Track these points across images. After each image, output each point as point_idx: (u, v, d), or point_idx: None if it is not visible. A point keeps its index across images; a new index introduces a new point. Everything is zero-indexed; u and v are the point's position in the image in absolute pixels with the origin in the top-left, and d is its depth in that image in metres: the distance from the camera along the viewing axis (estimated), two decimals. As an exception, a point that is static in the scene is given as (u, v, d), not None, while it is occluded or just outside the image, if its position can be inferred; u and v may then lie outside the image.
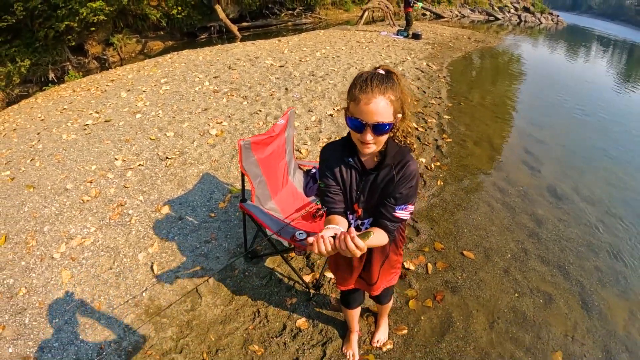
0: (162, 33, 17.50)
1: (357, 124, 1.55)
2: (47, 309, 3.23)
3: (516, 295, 3.47)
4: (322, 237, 1.43)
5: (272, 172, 3.50)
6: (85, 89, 9.15)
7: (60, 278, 3.51)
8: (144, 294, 3.37)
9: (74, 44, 14.39)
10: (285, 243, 3.32)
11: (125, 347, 2.93)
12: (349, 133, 1.69)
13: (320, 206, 3.31)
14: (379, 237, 1.67)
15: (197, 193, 4.62)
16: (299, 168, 3.98)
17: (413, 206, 1.73)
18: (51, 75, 13.35)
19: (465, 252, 3.92)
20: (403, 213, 1.71)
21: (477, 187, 5.12)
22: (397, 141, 1.69)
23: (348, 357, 2.83)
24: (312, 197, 3.69)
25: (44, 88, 11.03)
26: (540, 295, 3.48)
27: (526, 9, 33.63)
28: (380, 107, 1.50)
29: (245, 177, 3.23)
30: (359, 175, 1.77)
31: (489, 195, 4.93)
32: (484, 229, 4.29)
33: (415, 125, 6.79)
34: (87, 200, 4.52)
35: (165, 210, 4.32)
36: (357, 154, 1.74)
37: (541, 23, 31.39)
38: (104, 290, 3.40)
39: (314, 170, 3.91)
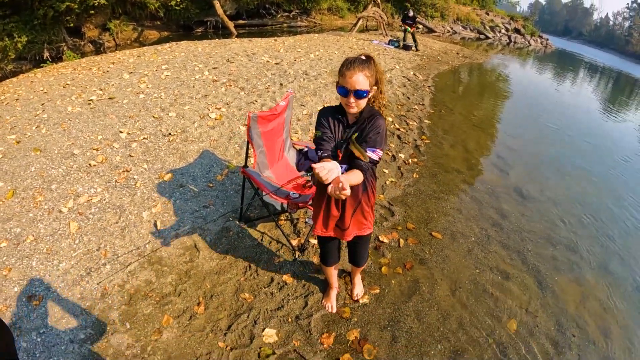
0: (158, 23, 17.70)
1: (344, 91, 2.17)
2: (54, 254, 3.57)
3: (477, 271, 3.94)
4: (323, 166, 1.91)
5: (271, 145, 3.95)
6: (87, 68, 9.41)
7: (68, 229, 3.85)
8: (147, 245, 3.76)
9: (72, 25, 14.50)
10: (278, 205, 3.78)
11: (128, 289, 3.30)
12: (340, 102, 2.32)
13: (307, 179, 3.76)
14: (356, 175, 2.15)
15: (197, 166, 5.01)
16: (293, 147, 4.44)
17: (381, 152, 2.22)
18: (46, 55, 13.41)
19: (433, 233, 4.40)
20: (372, 154, 2.19)
21: (449, 182, 5.60)
22: (373, 108, 2.34)
23: (327, 308, 3.27)
24: (302, 172, 4.14)
25: (41, 65, 11.10)
26: (498, 273, 3.94)
27: (517, 31, 34.43)
28: (359, 79, 2.12)
29: (250, 145, 3.66)
30: (343, 128, 2.34)
31: (460, 190, 5.43)
32: (452, 216, 4.77)
33: (397, 126, 7.29)
34: (94, 165, 4.86)
35: (168, 177, 4.70)
36: (345, 114, 2.33)
37: (530, 45, 32.20)
38: (110, 240, 3.77)
39: (305, 149, 4.37)
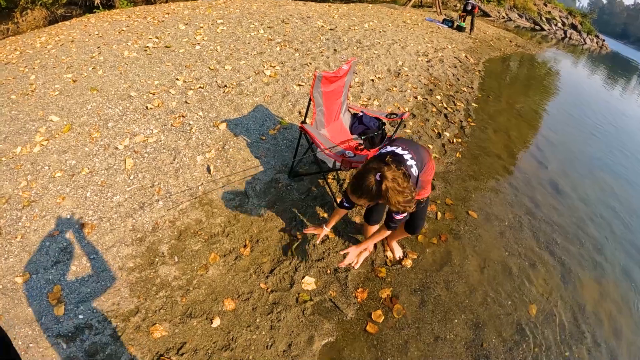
0: None
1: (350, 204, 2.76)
2: (108, 187, 3.74)
3: (506, 253, 4.05)
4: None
5: (330, 105, 4.08)
6: (141, 16, 9.52)
7: (124, 165, 4.02)
8: (199, 187, 3.95)
9: None
10: (330, 163, 3.94)
11: (179, 226, 3.50)
12: None
13: (360, 142, 3.89)
14: (380, 235, 2.80)
15: (250, 118, 5.16)
16: (348, 110, 4.54)
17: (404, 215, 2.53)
18: (97, 1, 13.37)
19: (470, 212, 4.49)
20: (396, 215, 2.52)
21: (489, 165, 5.65)
22: None
23: (353, 263, 3.39)
24: (355, 136, 4.25)
25: (93, 11, 11.22)
26: (526, 260, 4.04)
27: (573, 26, 33.06)
28: (355, 200, 2.34)
29: (312, 102, 3.79)
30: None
31: (498, 174, 5.48)
32: (489, 198, 4.85)
33: (445, 105, 7.28)
34: (151, 108, 5.02)
35: (223, 127, 4.86)
36: None
37: (585, 43, 30.90)
38: (164, 179, 3.94)
39: (360, 114, 4.47)
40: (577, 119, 9.69)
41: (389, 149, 2.49)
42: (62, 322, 2.65)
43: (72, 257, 3.08)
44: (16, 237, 3.16)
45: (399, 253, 3.62)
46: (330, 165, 4.23)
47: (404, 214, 2.48)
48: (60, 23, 9.34)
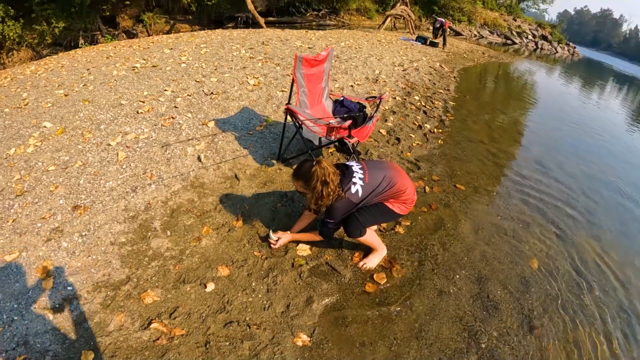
0: (190, 17, 17.69)
1: None
2: (101, 176, 3.67)
3: (499, 217, 3.97)
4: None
5: (312, 88, 4.07)
6: (127, 46, 9.56)
7: (116, 157, 3.96)
8: (191, 172, 3.87)
9: (107, 14, 14.52)
10: (316, 140, 3.88)
11: (171, 205, 3.41)
12: None
13: (340, 122, 3.88)
14: (311, 236, 3.04)
15: (237, 118, 5.11)
16: (330, 97, 4.51)
17: (334, 221, 2.75)
18: (81, 42, 13.43)
19: (457, 185, 4.43)
20: (327, 220, 2.76)
21: (472, 149, 5.63)
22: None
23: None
24: (338, 118, 4.21)
25: (80, 45, 11.31)
26: (519, 222, 3.97)
27: (544, 37, 33.72)
28: (295, 185, 2.75)
29: (294, 83, 3.76)
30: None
31: (482, 156, 5.45)
32: (475, 174, 4.80)
33: (424, 104, 7.31)
34: (141, 113, 4.97)
35: (211, 124, 4.80)
36: None
37: (557, 52, 31.62)
38: (156, 167, 3.87)
39: (341, 99, 4.45)
40: (553, 109, 10.01)
41: (350, 162, 2.85)
42: (50, 294, 2.48)
43: (63, 235, 2.96)
44: (7, 222, 3.05)
45: (370, 264, 3.14)
46: (316, 142, 4.19)
47: (333, 221, 2.73)
48: (47, 58, 9.34)
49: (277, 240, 3.03)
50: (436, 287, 2.96)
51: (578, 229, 4.12)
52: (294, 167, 2.69)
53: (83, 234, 2.99)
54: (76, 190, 3.46)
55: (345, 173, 2.71)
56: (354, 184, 2.66)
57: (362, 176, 2.71)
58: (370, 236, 2.97)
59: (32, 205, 3.24)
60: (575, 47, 35.62)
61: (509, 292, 3.02)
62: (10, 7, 12.01)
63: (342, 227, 2.89)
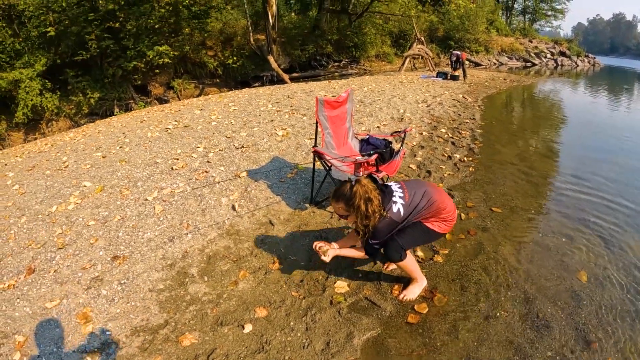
0: (218, 80, 18.51)
1: None
2: (139, 228, 3.79)
3: (540, 234, 3.78)
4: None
5: (336, 129, 4.12)
6: (159, 110, 10.09)
7: (153, 211, 4.08)
8: (226, 221, 3.91)
9: (139, 83, 15.41)
10: (345, 179, 3.84)
11: (207, 252, 3.44)
12: None
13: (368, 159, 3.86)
14: (352, 252, 2.86)
15: (269, 167, 5.18)
16: (355, 137, 4.53)
17: (377, 242, 2.65)
18: (116, 110, 14.21)
19: (493, 208, 4.26)
20: (372, 240, 2.64)
21: (504, 171, 5.46)
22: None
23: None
24: (365, 155, 4.21)
25: (115, 113, 11.96)
26: (562, 236, 3.76)
27: (562, 53, 33.25)
28: (335, 208, 2.68)
29: (319, 125, 3.80)
30: None
31: (515, 176, 5.27)
32: (510, 195, 4.62)
33: (451, 135, 7.22)
34: (176, 169, 5.13)
35: (244, 175, 4.88)
36: None
37: (577, 65, 31.15)
38: (192, 217, 3.96)
39: (367, 137, 4.45)
40: (584, 121, 9.91)
41: (388, 183, 2.80)
42: (89, 338, 2.53)
43: (103, 283, 3.05)
44: (49, 272, 3.19)
45: (410, 296, 3.01)
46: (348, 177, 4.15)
47: (377, 242, 2.64)
48: (84, 126, 9.94)
49: (324, 251, 2.79)
50: (481, 312, 2.79)
51: (625, 235, 3.86)
52: (332, 192, 2.64)
53: (122, 282, 3.06)
54: (115, 242, 3.58)
55: (385, 192, 2.64)
56: (395, 202, 2.60)
57: (401, 194, 2.65)
58: (411, 262, 2.86)
59: (73, 257, 3.38)
60: (595, 58, 35.16)
61: (560, 309, 2.81)
62: (47, 81, 12.94)
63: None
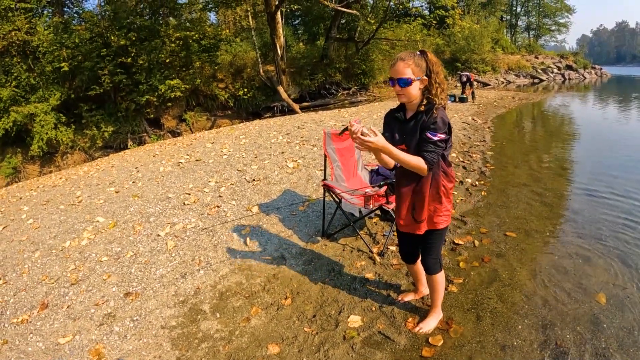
0: (229, 112, 18.81)
1: (391, 81, 2.28)
2: (152, 264, 3.84)
3: (556, 257, 3.73)
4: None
5: (345, 162, 4.16)
6: (171, 144, 10.30)
7: (166, 246, 4.14)
8: (237, 256, 3.93)
9: (151, 116, 15.74)
10: (356, 212, 3.87)
11: (220, 288, 3.45)
12: None
13: (378, 189, 3.85)
14: (410, 158, 2.19)
15: (280, 200, 5.23)
16: (365, 168, 4.56)
17: (443, 135, 2.20)
18: (129, 143, 14.52)
19: (507, 233, 4.22)
20: (432, 135, 2.18)
21: (517, 193, 5.42)
22: (430, 98, 2.29)
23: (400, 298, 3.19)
24: (375, 187, 4.22)
25: (129, 146, 12.21)
26: (578, 258, 3.71)
27: (569, 67, 33.43)
28: (400, 68, 2.20)
29: (327, 158, 3.84)
30: (400, 124, 2.39)
31: (528, 198, 5.23)
32: (524, 218, 4.58)
33: (462, 159, 7.22)
34: (187, 204, 5.20)
35: (255, 209, 4.93)
36: (404, 109, 2.42)
37: (585, 78, 31.39)
38: (203, 253, 3.99)
39: (377, 168, 4.48)
40: (596, 135, 10.04)
41: None
42: None
43: (115, 320, 3.08)
44: (62, 308, 3.26)
45: (424, 324, 2.93)
46: (357, 213, 4.17)
47: (439, 136, 2.18)
48: (99, 159, 10.15)
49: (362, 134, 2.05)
50: (498, 342, 2.73)
51: None
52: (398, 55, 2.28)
53: (135, 318, 3.08)
54: (128, 278, 3.64)
55: None
56: None
57: None
58: (443, 279, 2.79)
59: (86, 293, 3.45)
60: (602, 68, 35.44)
61: (578, 334, 2.74)
62: (61, 115, 13.32)
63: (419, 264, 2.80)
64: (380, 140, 2.02)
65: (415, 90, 2.24)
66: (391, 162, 2.32)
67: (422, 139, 2.22)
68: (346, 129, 2.18)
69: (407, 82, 2.20)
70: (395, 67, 2.22)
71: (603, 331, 2.76)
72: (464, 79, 15.39)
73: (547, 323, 2.87)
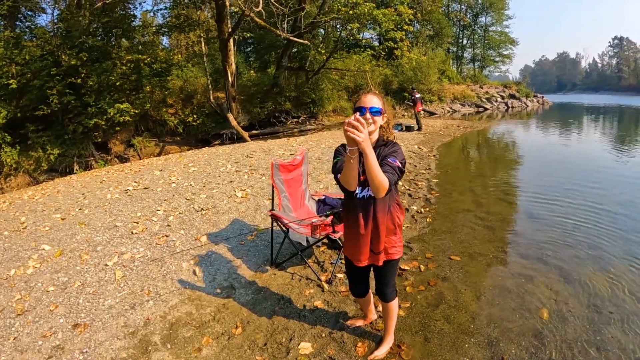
0: (178, 138, 18.44)
1: (361, 109, 2.34)
2: (100, 295, 3.76)
3: (499, 278, 3.97)
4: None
5: (293, 192, 4.27)
6: (119, 170, 10.12)
7: (114, 276, 4.08)
8: (187, 286, 3.92)
9: (99, 140, 15.18)
10: (304, 241, 3.97)
11: (170, 319, 3.42)
12: None
13: (325, 219, 3.98)
14: (380, 170, 2.14)
15: (229, 230, 5.24)
16: (312, 198, 4.69)
17: (401, 162, 2.33)
18: (75, 168, 13.92)
19: (452, 257, 4.45)
20: (392, 161, 2.32)
21: (461, 219, 5.71)
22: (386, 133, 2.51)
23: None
24: (322, 217, 4.34)
25: (75, 171, 11.75)
26: (521, 277, 3.97)
27: (512, 96, 35.56)
28: (373, 99, 2.37)
29: (275, 189, 3.94)
30: (361, 156, 2.27)
31: (472, 222, 5.53)
32: (468, 242, 4.84)
33: (407, 187, 7.51)
34: (135, 233, 5.14)
35: (204, 239, 4.92)
36: None
37: (527, 106, 33.39)
38: (153, 283, 3.95)
39: (323, 197, 4.61)
40: (537, 158, 10.87)
41: None
42: None
43: (64, 352, 3.00)
44: (8, 340, 3.13)
45: (378, 352, 3.00)
46: (304, 242, 4.26)
47: (398, 162, 2.30)
48: (43, 183, 9.76)
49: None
50: (446, 361, 2.89)
51: (583, 266, 4.16)
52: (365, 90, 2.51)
53: (84, 350, 3.01)
54: (76, 309, 3.55)
55: None
56: None
57: None
58: (397, 306, 2.92)
59: (33, 324, 3.33)
60: (543, 97, 37.95)
61: (524, 349, 2.93)
62: (7, 134, 12.67)
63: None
64: (367, 140, 2.01)
65: (380, 121, 2.42)
66: (354, 182, 2.32)
67: (383, 164, 2.30)
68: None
69: (378, 111, 2.36)
70: (366, 97, 2.37)
71: (547, 344, 2.97)
72: (417, 95, 16.05)
73: (492, 340, 3.05)
